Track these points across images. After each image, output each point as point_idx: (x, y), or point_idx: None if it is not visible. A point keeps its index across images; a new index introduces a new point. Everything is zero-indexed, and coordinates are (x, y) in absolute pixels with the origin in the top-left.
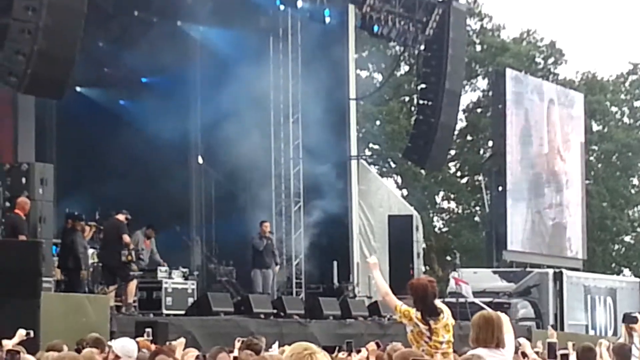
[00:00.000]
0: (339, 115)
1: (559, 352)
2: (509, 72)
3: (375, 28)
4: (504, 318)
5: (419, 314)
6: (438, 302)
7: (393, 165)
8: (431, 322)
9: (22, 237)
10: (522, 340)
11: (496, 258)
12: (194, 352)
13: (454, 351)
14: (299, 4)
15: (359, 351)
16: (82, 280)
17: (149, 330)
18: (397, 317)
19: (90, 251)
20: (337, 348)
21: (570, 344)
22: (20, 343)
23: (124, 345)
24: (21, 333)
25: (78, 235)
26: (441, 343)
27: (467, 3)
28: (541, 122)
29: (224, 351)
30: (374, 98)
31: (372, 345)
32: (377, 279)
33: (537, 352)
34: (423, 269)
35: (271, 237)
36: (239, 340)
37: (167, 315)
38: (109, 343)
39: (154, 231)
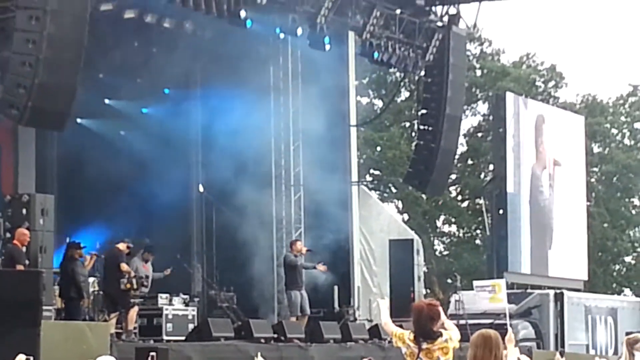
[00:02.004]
0: (339, 141)
1: None
2: (509, 96)
3: (376, 54)
4: (508, 339)
5: (412, 335)
6: (447, 323)
7: (394, 190)
8: (424, 343)
9: (20, 267)
10: (523, 357)
11: None
12: None
13: None
14: (299, 31)
15: None
16: (82, 308)
17: (153, 354)
18: (394, 341)
19: (91, 279)
20: None
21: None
22: None
23: None
24: (21, 358)
25: (77, 264)
26: None
27: (467, 28)
28: (537, 143)
29: None
30: (375, 124)
31: None
32: (382, 314)
33: None
34: (424, 292)
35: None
36: None
37: (168, 341)
38: None
39: (151, 254)
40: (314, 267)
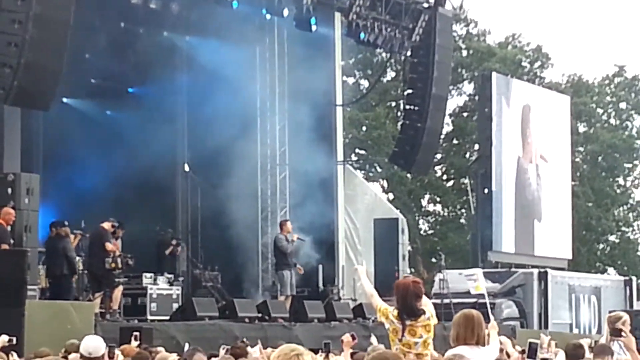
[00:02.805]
0: (325, 121)
1: (539, 356)
2: (495, 76)
3: (362, 35)
4: (491, 326)
5: (395, 312)
6: (426, 302)
7: (379, 169)
8: (407, 321)
9: (5, 246)
10: (503, 338)
11: (481, 259)
12: (173, 357)
13: (439, 352)
14: (285, 12)
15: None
16: (73, 285)
17: (136, 334)
18: (378, 316)
19: (77, 259)
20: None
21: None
22: (3, 349)
23: (86, 344)
24: (4, 339)
25: (67, 241)
26: (416, 343)
27: (453, 9)
28: (524, 124)
29: (198, 351)
30: (361, 104)
31: (347, 337)
32: (364, 282)
33: (522, 351)
34: (408, 271)
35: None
36: (223, 348)
37: (152, 321)
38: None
39: (121, 229)
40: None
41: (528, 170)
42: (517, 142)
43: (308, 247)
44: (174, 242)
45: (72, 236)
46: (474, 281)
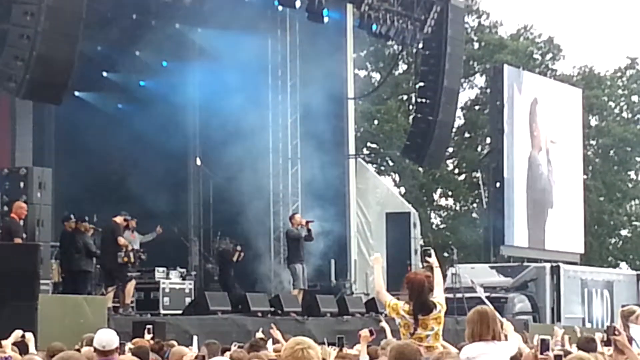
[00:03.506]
0: (337, 114)
1: (552, 353)
2: (507, 69)
3: (374, 27)
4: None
5: (406, 307)
6: (438, 293)
7: (391, 163)
8: (420, 315)
9: (18, 241)
10: (514, 333)
11: (493, 253)
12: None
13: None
14: (297, 4)
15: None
16: (89, 281)
17: (149, 327)
18: (387, 312)
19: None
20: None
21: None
22: (16, 344)
23: (100, 337)
24: (17, 334)
25: (86, 236)
26: (427, 336)
27: (465, 0)
28: (535, 116)
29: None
30: (372, 97)
31: (365, 332)
32: (376, 276)
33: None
34: (420, 266)
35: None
36: (235, 345)
37: (165, 315)
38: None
39: (132, 221)
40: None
41: (540, 161)
42: (529, 135)
43: (320, 242)
44: (238, 248)
45: None
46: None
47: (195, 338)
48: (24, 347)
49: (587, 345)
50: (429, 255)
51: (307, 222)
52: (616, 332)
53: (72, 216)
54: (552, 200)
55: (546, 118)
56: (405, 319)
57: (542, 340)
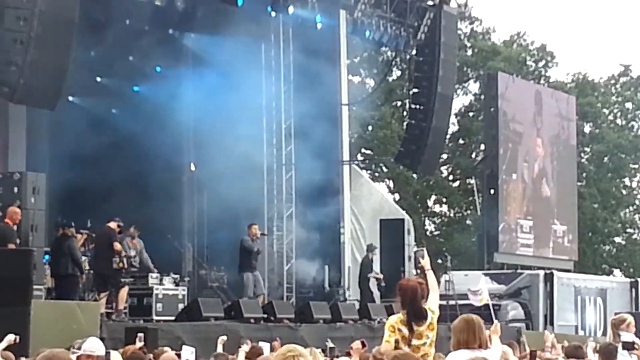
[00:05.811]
0: (331, 120)
1: None
2: (501, 76)
3: (367, 33)
4: (494, 330)
5: (401, 317)
6: (433, 298)
7: (385, 169)
8: (414, 326)
9: (11, 246)
10: (505, 347)
11: (487, 260)
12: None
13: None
14: (290, 10)
15: (348, 354)
16: (79, 285)
17: (141, 335)
18: (387, 334)
19: (82, 259)
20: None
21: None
22: (8, 348)
23: (90, 345)
24: (9, 338)
25: (73, 241)
26: (424, 344)
27: (458, 7)
28: (529, 123)
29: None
30: (366, 103)
31: (357, 344)
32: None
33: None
34: (414, 272)
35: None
36: (247, 344)
37: (158, 321)
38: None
39: (137, 229)
40: None
41: (534, 168)
42: (523, 142)
43: (314, 248)
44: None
45: (78, 236)
46: (478, 295)
47: (184, 347)
48: (21, 351)
49: (575, 352)
50: (422, 257)
51: (262, 234)
52: (636, 347)
53: (62, 222)
54: (547, 207)
55: (540, 125)
56: (401, 332)
57: (531, 353)
